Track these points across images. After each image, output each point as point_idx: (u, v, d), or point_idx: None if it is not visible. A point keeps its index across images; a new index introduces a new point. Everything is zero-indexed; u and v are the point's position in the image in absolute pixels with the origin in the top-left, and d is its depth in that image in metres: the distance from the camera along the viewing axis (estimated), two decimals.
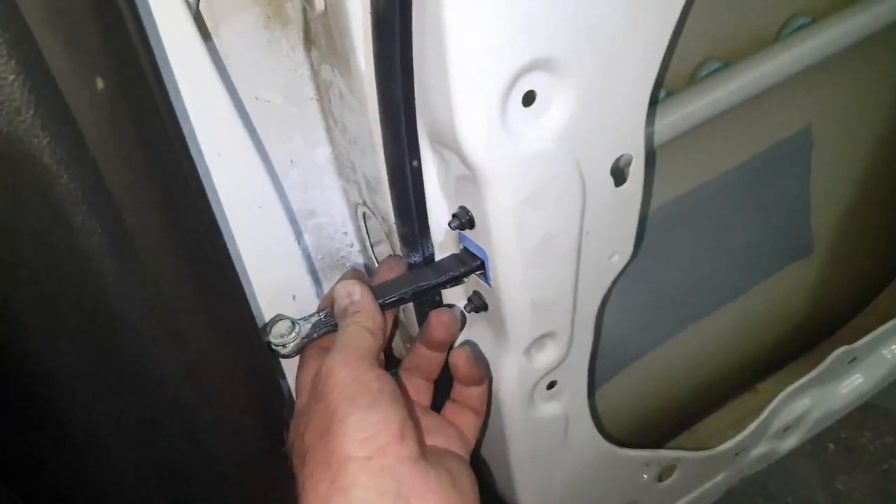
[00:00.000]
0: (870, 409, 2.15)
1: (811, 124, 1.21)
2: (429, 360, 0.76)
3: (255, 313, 0.70)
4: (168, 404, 0.51)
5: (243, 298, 0.57)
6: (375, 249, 0.92)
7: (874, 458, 2.10)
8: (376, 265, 0.94)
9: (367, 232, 0.91)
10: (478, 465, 0.99)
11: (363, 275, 0.88)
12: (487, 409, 0.82)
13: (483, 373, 0.77)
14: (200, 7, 0.69)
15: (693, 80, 1.04)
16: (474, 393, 0.76)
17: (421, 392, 0.77)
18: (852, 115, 1.23)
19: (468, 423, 0.76)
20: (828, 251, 1.35)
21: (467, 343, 0.79)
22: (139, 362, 0.49)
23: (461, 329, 0.81)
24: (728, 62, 1.03)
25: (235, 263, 0.66)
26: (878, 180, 1.33)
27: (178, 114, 0.54)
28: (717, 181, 1.14)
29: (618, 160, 0.72)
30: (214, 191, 0.62)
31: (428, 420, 0.74)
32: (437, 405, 0.79)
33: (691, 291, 1.23)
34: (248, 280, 0.69)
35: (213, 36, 0.71)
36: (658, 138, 0.95)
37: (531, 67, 0.62)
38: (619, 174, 0.73)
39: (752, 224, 1.23)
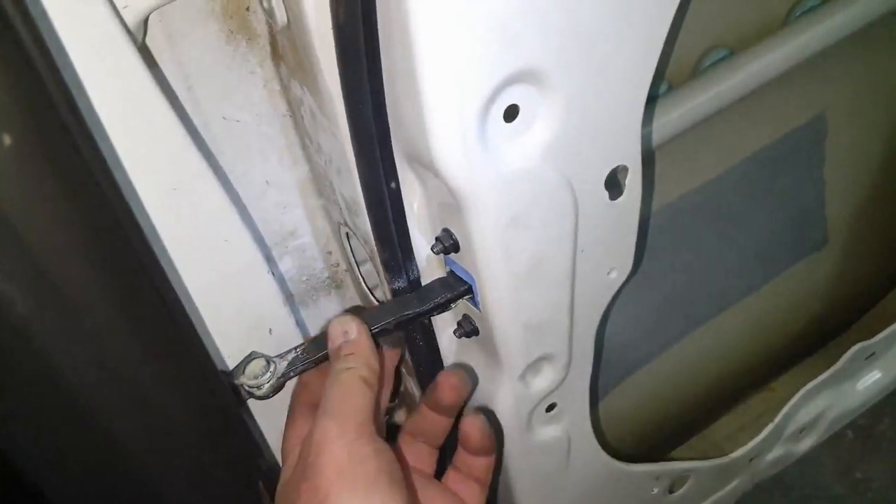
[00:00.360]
0: (889, 396, 2.09)
1: (825, 111, 1.14)
2: (435, 424, 0.69)
3: (229, 353, 0.66)
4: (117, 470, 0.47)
5: (199, 347, 0.52)
6: (362, 269, 0.88)
7: (894, 445, 2.04)
8: (363, 285, 0.89)
9: (351, 251, 0.86)
10: None
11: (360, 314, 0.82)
12: (494, 480, 0.75)
13: (494, 444, 0.70)
14: (157, 25, 0.64)
15: (697, 70, 0.98)
16: (482, 463, 0.69)
17: (424, 458, 0.70)
18: (868, 100, 1.17)
19: (472, 495, 0.69)
20: (843, 243, 1.29)
21: (481, 411, 0.71)
22: (84, 430, 0.45)
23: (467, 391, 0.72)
24: (734, 50, 0.96)
25: (201, 301, 0.61)
26: (894, 168, 1.26)
27: (124, 152, 0.49)
28: (726, 175, 1.08)
29: (612, 172, 0.66)
30: (170, 228, 0.57)
31: (430, 491, 0.67)
32: (439, 469, 0.73)
33: (703, 290, 1.18)
34: (219, 318, 0.64)
35: (172, 57, 0.66)
36: (662, 134, 0.90)
37: (512, 80, 0.56)
38: (614, 187, 0.68)
39: (765, 218, 1.17)
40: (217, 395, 0.53)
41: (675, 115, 0.90)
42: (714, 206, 1.10)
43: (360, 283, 0.90)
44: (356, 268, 0.88)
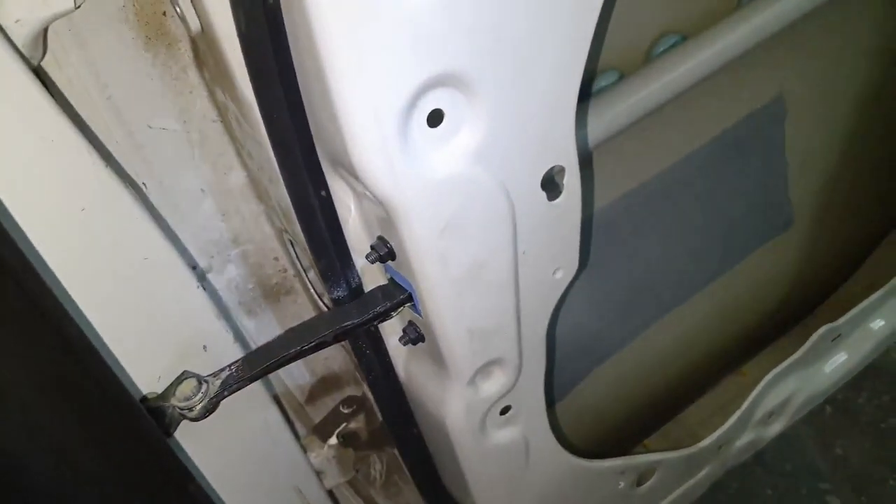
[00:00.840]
0: (866, 369, 2.10)
1: (783, 93, 1.12)
2: None
3: (159, 374, 0.63)
4: None
5: (108, 376, 0.50)
6: (308, 274, 0.85)
7: (872, 418, 2.05)
8: (312, 291, 0.87)
9: (296, 256, 0.84)
10: (444, 497, 0.94)
11: None
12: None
13: None
14: (67, 35, 0.61)
15: (649, 57, 0.96)
16: None
17: None
18: (826, 80, 1.15)
19: None
20: (808, 223, 1.28)
21: None
22: None
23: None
24: (687, 35, 0.94)
25: (121, 322, 0.59)
26: (857, 147, 1.24)
27: (16, 178, 0.46)
28: (685, 161, 1.06)
29: (548, 173, 0.64)
30: (79, 250, 0.54)
31: None
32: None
33: (671, 275, 1.16)
34: (145, 338, 0.62)
35: (86, 67, 0.63)
36: (617, 124, 0.87)
37: (433, 84, 0.53)
38: (552, 186, 0.66)
39: (728, 202, 1.16)
40: (133, 423, 0.51)
41: (630, 102, 0.88)
42: (677, 192, 1.08)
43: (308, 289, 0.88)
44: (303, 273, 0.86)
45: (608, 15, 0.78)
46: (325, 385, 1.10)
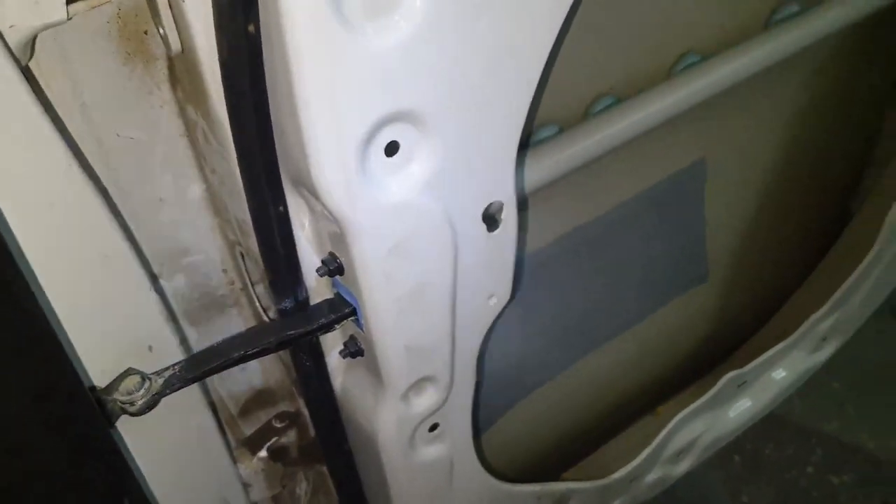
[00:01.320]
0: (773, 420, 2.23)
1: (705, 157, 1.24)
2: None
3: (104, 369, 0.66)
4: None
5: (64, 361, 0.53)
6: (256, 288, 0.89)
7: (777, 468, 2.17)
8: (258, 304, 0.91)
9: (246, 270, 0.88)
10: None
11: None
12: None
13: None
14: (51, 43, 0.65)
15: (587, 115, 1.04)
16: None
17: None
18: (745, 147, 1.27)
19: None
20: (723, 277, 1.39)
21: None
22: None
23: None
24: (621, 98, 1.04)
25: (75, 315, 0.62)
26: (770, 209, 1.37)
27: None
28: (613, 213, 1.15)
29: (489, 207, 0.71)
30: (45, 242, 0.58)
31: None
32: None
33: (591, 319, 1.24)
34: (95, 333, 0.65)
35: (65, 74, 0.67)
36: (553, 172, 0.95)
37: (391, 119, 0.60)
38: (491, 220, 0.73)
39: (650, 253, 1.25)
40: (82, 410, 0.54)
41: (565, 154, 0.96)
42: (603, 241, 1.17)
43: (254, 302, 0.92)
44: (251, 287, 0.90)
45: (550, 73, 0.86)
46: (260, 399, 1.12)
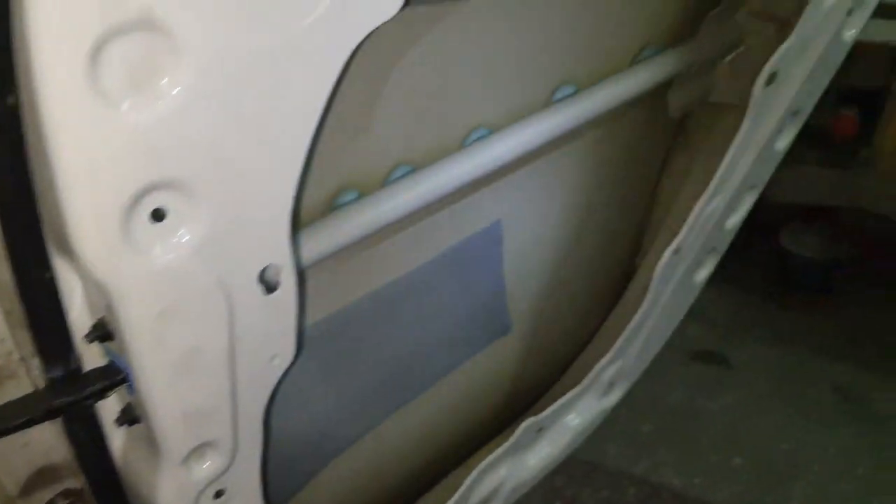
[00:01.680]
0: (587, 466, 2.38)
1: (501, 219, 1.34)
2: None
3: None
4: None
5: None
6: (34, 361, 0.85)
7: None
8: (36, 374, 0.86)
9: (20, 340, 0.84)
10: None
11: None
12: None
13: None
14: None
15: (385, 183, 1.11)
16: None
17: None
18: (538, 209, 1.38)
19: None
20: (527, 330, 1.49)
21: None
22: None
23: None
24: (418, 167, 1.11)
25: None
26: (566, 265, 1.50)
27: None
28: (412, 274, 1.21)
29: (265, 270, 0.74)
30: None
31: None
32: None
33: (397, 376, 1.28)
34: None
35: None
36: (352, 235, 1.00)
37: (154, 188, 0.62)
38: (269, 283, 0.75)
39: (452, 310, 1.32)
40: None
41: (363, 220, 1.01)
42: (406, 299, 1.22)
43: (31, 373, 0.88)
44: (28, 357, 0.86)
45: (350, 141, 0.91)
46: (42, 477, 1.05)
